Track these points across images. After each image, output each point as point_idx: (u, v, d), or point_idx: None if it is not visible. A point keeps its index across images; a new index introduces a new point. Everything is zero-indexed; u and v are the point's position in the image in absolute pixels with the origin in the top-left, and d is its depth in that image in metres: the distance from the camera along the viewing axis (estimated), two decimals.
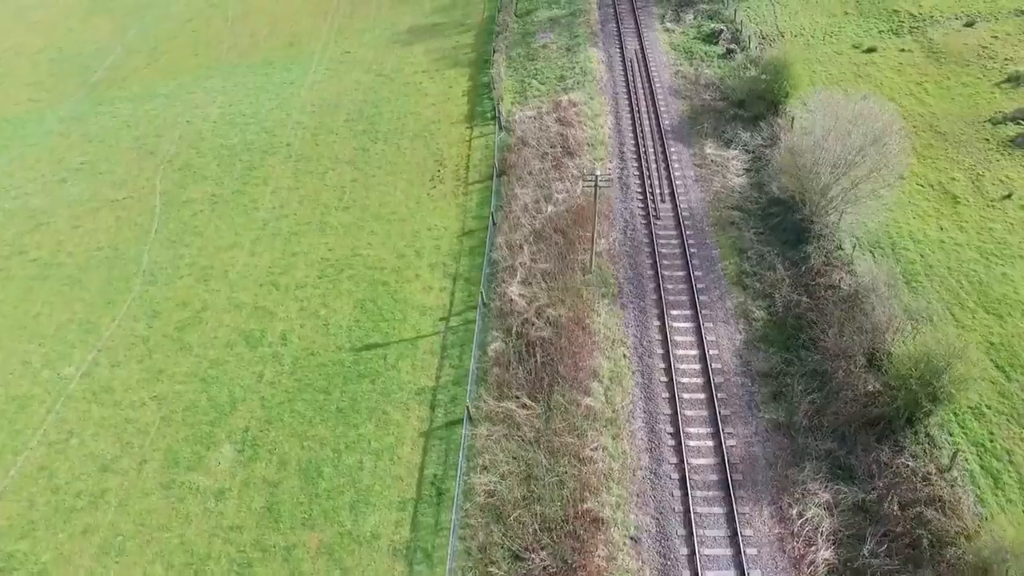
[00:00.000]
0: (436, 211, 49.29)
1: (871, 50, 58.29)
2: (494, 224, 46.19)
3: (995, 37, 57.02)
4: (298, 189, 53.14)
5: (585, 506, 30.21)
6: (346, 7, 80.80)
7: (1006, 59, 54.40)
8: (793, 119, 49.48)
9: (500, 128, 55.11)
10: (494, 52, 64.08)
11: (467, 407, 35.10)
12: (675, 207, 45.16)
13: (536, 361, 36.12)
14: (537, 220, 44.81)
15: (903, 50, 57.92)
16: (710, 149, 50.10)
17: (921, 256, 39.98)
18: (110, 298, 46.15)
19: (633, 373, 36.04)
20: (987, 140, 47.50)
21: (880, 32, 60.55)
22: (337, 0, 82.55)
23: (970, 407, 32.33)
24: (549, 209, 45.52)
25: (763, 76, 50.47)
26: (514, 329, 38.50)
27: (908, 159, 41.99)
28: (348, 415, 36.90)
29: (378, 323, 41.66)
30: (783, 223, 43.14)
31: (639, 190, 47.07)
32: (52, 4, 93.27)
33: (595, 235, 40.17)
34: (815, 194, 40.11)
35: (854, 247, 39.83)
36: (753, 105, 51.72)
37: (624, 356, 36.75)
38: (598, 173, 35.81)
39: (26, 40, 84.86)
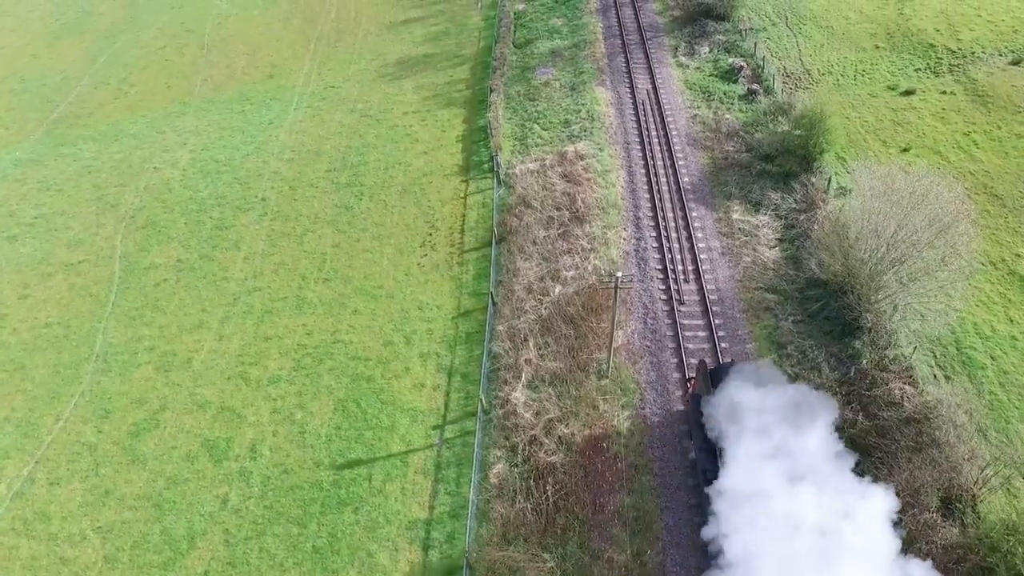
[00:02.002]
0: (428, 285, 43.62)
1: (909, 92, 52.60)
2: (494, 305, 40.57)
3: None
4: (273, 255, 47.34)
5: None
6: (331, 34, 74.79)
7: None
8: (830, 180, 43.95)
9: (499, 183, 49.36)
10: (491, 91, 58.26)
11: (466, 558, 29.48)
12: (701, 288, 39.50)
13: (548, 498, 30.51)
14: (543, 305, 39.17)
15: (944, 92, 52.28)
16: (737, 214, 44.35)
17: (992, 359, 34.43)
18: (56, 391, 40.39)
19: (663, 511, 30.42)
20: None
21: (917, 71, 54.89)
22: (321, 26, 76.55)
23: None
24: (557, 290, 39.89)
25: (797, 131, 44.76)
26: (520, 448, 32.94)
27: (979, 245, 36.37)
28: (326, 556, 31.27)
29: (362, 431, 36.03)
30: (825, 310, 37.55)
31: (659, 267, 41.30)
32: (17, 27, 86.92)
33: (613, 333, 34.48)
34: (865, 287, 34.57)
35: (914, 350, 34.21)
36: (783, 161, 45.86)
37: (652, 489, 31.13)
38: (619, 275, 30.15)
39: None
